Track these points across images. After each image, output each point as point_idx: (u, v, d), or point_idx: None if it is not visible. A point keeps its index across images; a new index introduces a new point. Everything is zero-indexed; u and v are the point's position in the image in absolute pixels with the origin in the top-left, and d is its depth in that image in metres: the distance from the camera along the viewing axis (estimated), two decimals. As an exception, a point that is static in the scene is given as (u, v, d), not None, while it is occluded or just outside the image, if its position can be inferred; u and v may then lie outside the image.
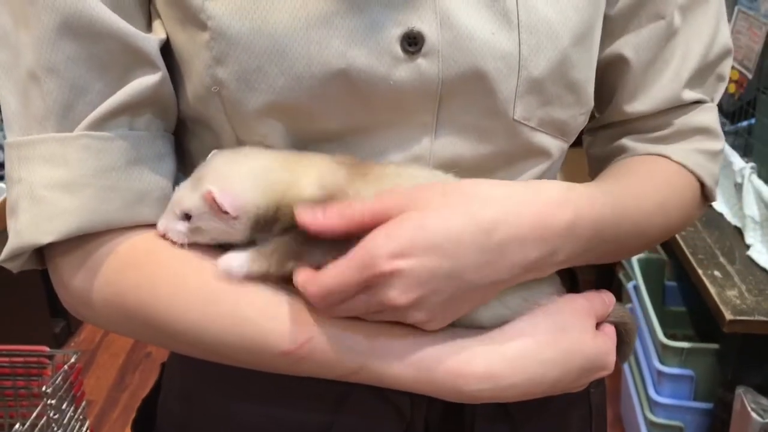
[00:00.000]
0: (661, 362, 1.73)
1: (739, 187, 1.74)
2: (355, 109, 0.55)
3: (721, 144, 0.68)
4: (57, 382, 1.67)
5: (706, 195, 0.68)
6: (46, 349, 1.80)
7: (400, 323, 0.53)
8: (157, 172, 0.56)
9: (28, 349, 1.79)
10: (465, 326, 0.54)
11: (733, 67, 1.94)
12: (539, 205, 0.52)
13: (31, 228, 0.53)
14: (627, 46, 0.63)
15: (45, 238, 0.52)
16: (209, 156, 0.55)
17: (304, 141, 0.57)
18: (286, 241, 0.53)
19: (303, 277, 0.51)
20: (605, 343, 0.58)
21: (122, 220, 0.54)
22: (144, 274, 0.55)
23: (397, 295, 0.49)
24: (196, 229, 0.54)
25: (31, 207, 0.53)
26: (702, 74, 0.66)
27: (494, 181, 0.53)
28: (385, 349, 0.53)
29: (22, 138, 0.53)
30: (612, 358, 0.58)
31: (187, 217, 0.54)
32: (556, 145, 0.61)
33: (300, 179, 0.53)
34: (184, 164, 0.61)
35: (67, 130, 0.53)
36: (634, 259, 2.01)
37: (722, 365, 1.61)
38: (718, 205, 1.83)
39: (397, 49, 0.53)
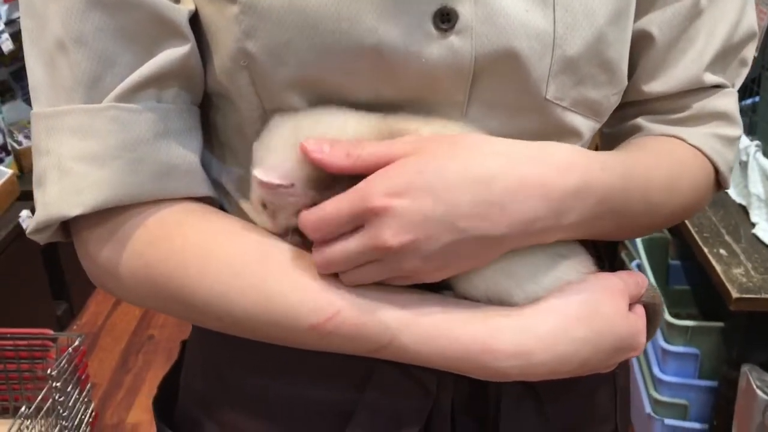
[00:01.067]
0: (666, 341, 1.73)
1: (744, 165, 1.73)
2: (385, 86, 0.54)
3: (739, 131, 0.67)
4: (62, 365, 1.66)
5: (719, 181, 0.67)
6: (50, 332, 1.80)
7: (429, 297, 0.53)
8: (184, 145, 0.55)
9: (32, 332, 1.78)
10: (498, 305, 0.54)
11: (738, 45, 1.93)
12: (545, 166, 0.51)
13: (59, 200, 0.53)
14: (652, 23, 0.62)
15: (73, 210, 0.52)
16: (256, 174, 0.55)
17: None
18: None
19: (303, 212, 0.52)
20: (636, 323, 0.57)
21: (151, 193, 0.54)
22: (173, 247, 0.54)
23: (390, 235, 0.49)
24: (277, 210, 0.54)
25: (60, 179, 0.52)
26: (725, 57, 0.65)
27: (506, 139, 0.52)
28: (415, 324, 0.52)
29: (50, 109, 0.53)
30: (642, 338, 0.57)
31: (264, 206, 0.55)
32: (587, 126, 0.60)
33: (330, 129, 0.53)
34: (209, 139, 0.61)
35: (95, 102, 0.52)
36: (638, 239, 2.01)
37: (727, 343, 1.61)
38: (723, 183, 1.82)
39: (430, 26, 0.52)
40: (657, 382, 1.78)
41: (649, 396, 1.80)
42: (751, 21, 0.65)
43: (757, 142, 1.71)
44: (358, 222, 0.50)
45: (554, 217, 0.51)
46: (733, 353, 1.57)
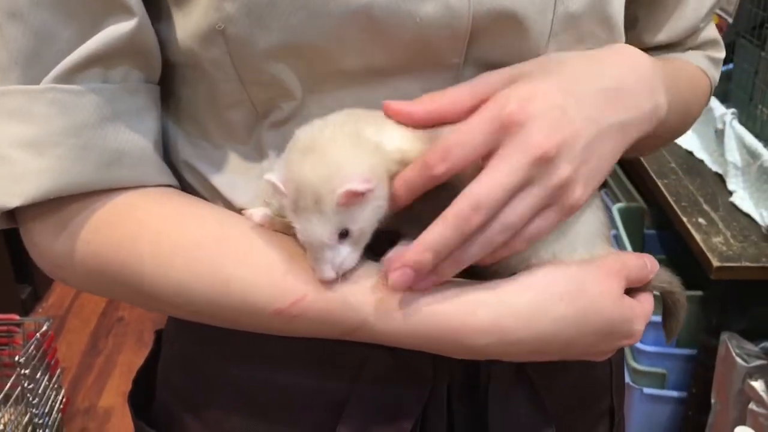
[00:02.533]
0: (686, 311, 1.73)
1: (719, 134, 1.73)
2: (377, 50, 0.50)
3: (723, 53, 0.74)
4: (30, 351, 1.61)
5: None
6: (16, 317, 1.74)
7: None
8: (135, 129, 0.51)
9: (-3, 317, 1.73)
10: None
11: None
12: (635, 53, 0.54)
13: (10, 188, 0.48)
14: None
15: (12, 201, 0.49)
16: (272, 179, 0.49)
17: (317, 87, 0.52)
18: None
19: (430, 149, 0.48)
20: (632, 308, 0.53)
21: (98, 182, 0.50)
22: (125, 232, 0.51)
23: (543, 137, 0.46)
24: (360, 233, 0.49)
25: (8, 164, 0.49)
26: None
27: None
28: (385, 304, 0.49)
29: (19, 87, 0.48)
30: (639, 326, 0.54)
31: (344, 235, 0.48)
32: None
33: (383, 138, 0.49)
34: (178, 115, 0.56)
35: (34, 82, 0.48)
36: (614, 208, 2.00)
37: (706, 312, 1.62)
38: (698, 152, 1.82)
39: None
40: (635, 352, 1.78)
41: (628, 366, 1.81)
42: None
43: (732, 110, 1.70)
44: (495, 143, 0.46)
45: (655, 107, 0.53)
46: (712, 321, 1.58)
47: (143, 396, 0.66)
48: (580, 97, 0.48)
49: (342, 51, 0.50)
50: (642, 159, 1.80)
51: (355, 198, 0.47)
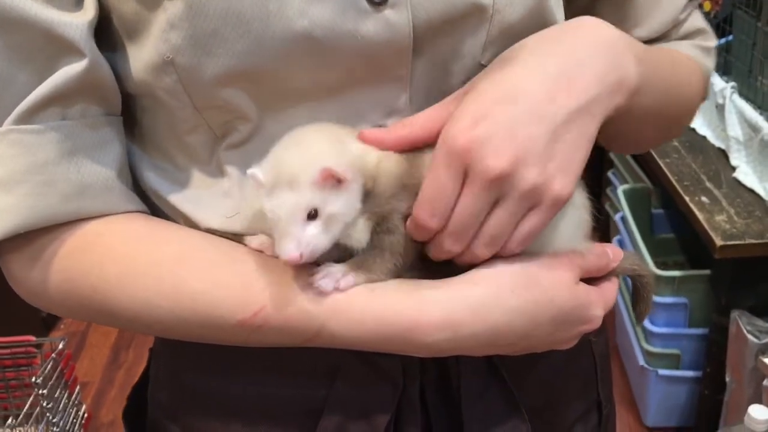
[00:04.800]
0: (654, 292, 1.72)
1: (720, 108, 1.70)
2: (324, 69, 0.51)
3: (714, 41, 0.69)
4: (47, 371, 1.64)
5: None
6: (33, 338, 1.77)
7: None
8: (98, 161, 0.53)
9: (14, 340, 1.75)
10: None
11: (706, -17, 1.89)
12: (593, 29, 0.52)
13: None
14: None
15: None
16: (255, 172, 0.50)
17: (271, 106, 0.53)
18: (385, 242, 0.52)
19: (415, 208, 0.51)
20: (587, 295, 0.54)
21: (64, 214, 0.52)
22: (92, 259, 0.53)
23: (491, 160, 0.47)
24: (329, 218, 0.49)
25: None
26: None
27: (537, 38, 0.53)
28: (341, 310, 0.51)
29: None
30: (596, 311, 0.55)
31: (312, 216, 0.49)
32: None
33: (368, 151, 0.51)
34: (142, 142, 0.58)
35: None
36: (620, 190, 1.98)
37: (715, 290, 1.60)
38: (701, 128, 1.79)
39: (362, 2, 0.50)
40: (648, 335, 1.77)
41: (642, 348, 1.80)
42: None
43: (732, 83, 1.68)
44: (462, 175, 0.49)
45: (619, 70, 0.51)
46: (721, 300, 1.56)
47: (137, 412, 0.67)
48: (529, 98, 0.48)
49: (290, 72, 0.51)
50: (643, 139, 1.78)
51: (331, 179, 0.48)
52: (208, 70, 0.50)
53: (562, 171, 0.49)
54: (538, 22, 0.54)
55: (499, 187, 0.48)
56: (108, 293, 0.53)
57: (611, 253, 0.57)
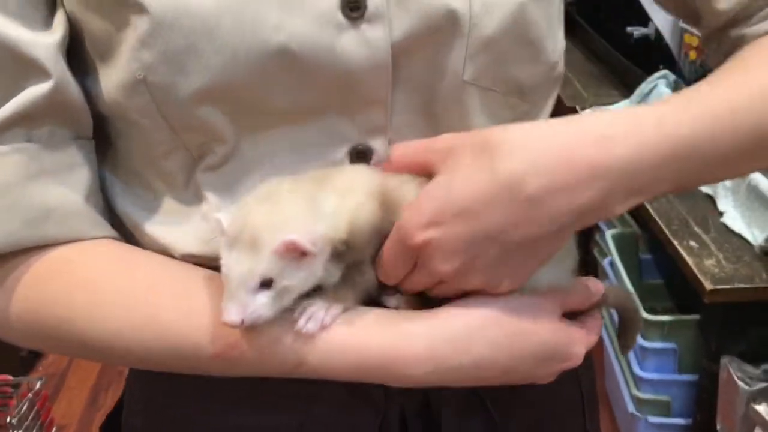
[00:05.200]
0: (644, 337, 1.70)
1: (707, 154, 1.72)
2: (302, 88, 0.51)
3: None
4: (23, 411, 1.60)
5: None
6: (10, 378, 1.73)
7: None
8: (63, 185, 0.52)
9: (-10, 379, 1.72)
10: None
11: (692, 34, 1.92)
12: (572, 146, 0.46)
13: None
14: None
15: None
16: (220, 218, 0.49)
17: (248, 127, 0.52)
18: (357, 279, 0.52)
19: (378, 266, 0.52)
20: (569, 332, 0.54)
21: (28, 239, 0.51)
22: (58, 287, 0.51)
23: (439, 264, 0.49)
24: (283, 290, 0.48)
25: None
26: None
27: (526, 124, 0.49)
28: (320, 341, 0.50)
29: None
30: (578, 349, 0.55)
31: (266, 284, 0.48)
32: (511, 103, 0.58)
33: (346, 198, 0.50)
34: (116, 166, 0.57)
35: None
36: (608, 235, 1.98)
37: (705, 336, 1.59)
38: (688, 173, 1.80)
39: (339, 16, 0.50)
40: (638, 380, 1.75)
41: (631, 395, 1.77)
42: None
43: (718, 130, 1.69)
44: (412, 262, 0.51)
45: (605, 195, 0.46)
46: (711, 346, 1.55)
47: None
48: (486, 223, 0.47)
49: (267, 90, 0.51)
50: (631, 184, 1.79)
51: (293, 252, 0.47)
52: (182, 88, 0.49)
53: (511, 276, 0.50)
54: (519, 35, 0.54)
55: (448, 281, 0.50)
56: (76, 323, 0.51)
57: (592, 287, 0.57)
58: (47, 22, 0.51)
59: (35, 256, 0.52)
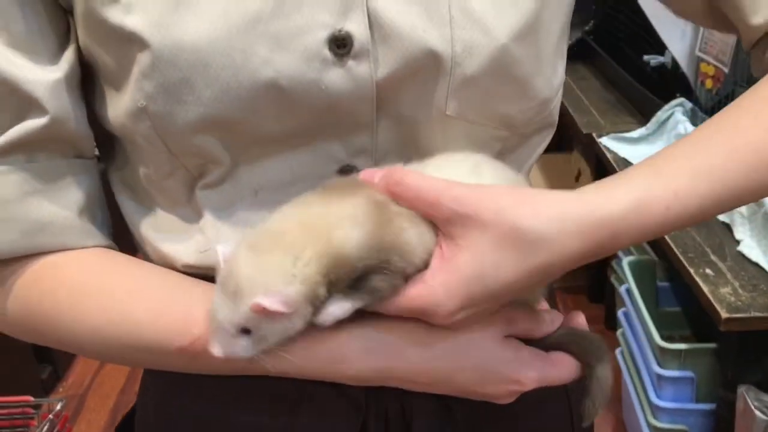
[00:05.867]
0: (660, 365, 1.70)
1: (724, 182, 1.72)
2: (292, 117, 0.54)
3: None
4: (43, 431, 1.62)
5: None
6: (31, 399, 1.75)
7: None
8: (58, 202, 0.57)
9: (12, 400, 1.74)
10: None
11: (708, 63, 1.93)
12: (592, 235, 0.48)
13: None
14: None
15: None
16: (218, 250, 0.53)
17: (242, 153, 0.56)
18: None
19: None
20: (516, 352, 0.55)
21: (24, 248, 0.56)
22: (45, 287, 0.57)
23: (443, 320, 0.51)
24: (261, 338, 0.52)
25: None
26: None
27: (541, 208, 0.49)
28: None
29: None
30: (528, 372, 0.55)
31: (245, 331, 0.51)
32: (498, 136, 0.59)
33: (332, 237, 0.50)
34: (125, 181, 0.62)
35: None
36: (625, 262, 1.98)
37: (722, 365, 1.58)
38: (705, 201, 1.81)
39: (326, 52, 0.52)
40: (654, 409, 1.74)
41: (648, 424, 1.76)
42: None
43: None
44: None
45: (597, 250, 0.50)
46: (728, 374, 1.54)
47: None
48: (506, 296, 0.51)
49: (258, 120, 0.54)
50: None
51: (264, 313, 0.49)
52: (179, 118, 0.53)
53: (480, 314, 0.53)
54: (503, 74, 0.55)
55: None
56: (58, 319, 0.57)
57: (549, 319, 0.57)
58: (55, 55, 0.55)
59: (29, 263, 0.57)
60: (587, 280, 2.78)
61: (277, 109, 0.53)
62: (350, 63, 0.52)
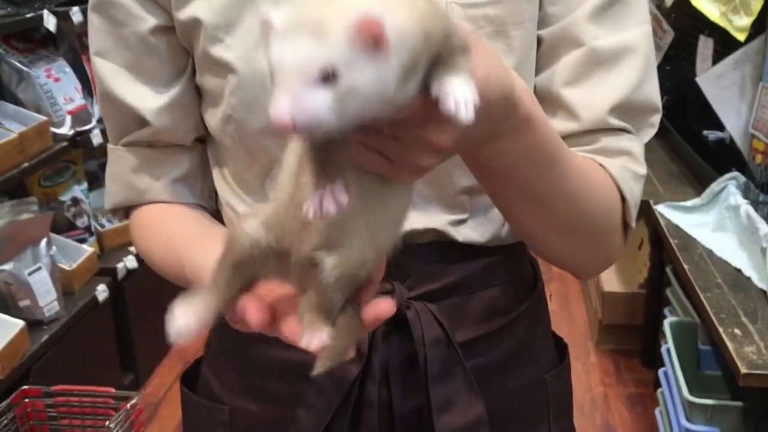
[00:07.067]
0: (688, 419, 1.76)
1: (764, 251, 1.80)
2: None
3: (644, 170, 0.74)
4: (119, 419, 1.83)
5: (625, 218, 0.72)
6: (112, 390, 1.98)
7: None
8: (153, 175, 0.83)
9: (96, 389, 1.97)
10: None
11: (759, 139, 2.03)
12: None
13: (105, 198, 0.88)
14: (554, 75, 0.73)
15: (107, 205, 0.88)
16: (269, 18, 0.43)
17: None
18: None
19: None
20: None
21: (131, 201, 0.85)
22: (143, 224, 0.85)
23: (444, 135, 0.49)
24: (347, 92, 0.40)
25: (105, 187, 0.88)
26: (628, 111, 0.72)
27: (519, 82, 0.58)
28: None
29: (109, 145, 0.86)
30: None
31: (328, 78, 0.40)
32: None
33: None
34: (221, 172, 0.83)
35: (115, 143, 0.85)
36: (666, 323, 2.06)
37: (746, 422, 1.64)
38: (747, 269, 1.88)
39: None
40: (682, 464, 1.80)
41: (675, 479, 1.82)
42: (653, 94, 0.74)
43: (775, 229, 1.78)
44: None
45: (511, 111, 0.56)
46: (751, 431, 1.60)
47: (195, 376, 0.90)
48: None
49: None
50: (689, 274, 1.88)
51: (368, 36, 0.39)
52: (252, 125, 0.74)
53: (424, 169, 0.56)
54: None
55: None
56: (146, 247, 0.84)
57: (383, 306, 0.54)
58: (170, 82, 0.80)
59: (146, 208, 0.85)
60: (641, 345, 2.83)
61: None
62: None
